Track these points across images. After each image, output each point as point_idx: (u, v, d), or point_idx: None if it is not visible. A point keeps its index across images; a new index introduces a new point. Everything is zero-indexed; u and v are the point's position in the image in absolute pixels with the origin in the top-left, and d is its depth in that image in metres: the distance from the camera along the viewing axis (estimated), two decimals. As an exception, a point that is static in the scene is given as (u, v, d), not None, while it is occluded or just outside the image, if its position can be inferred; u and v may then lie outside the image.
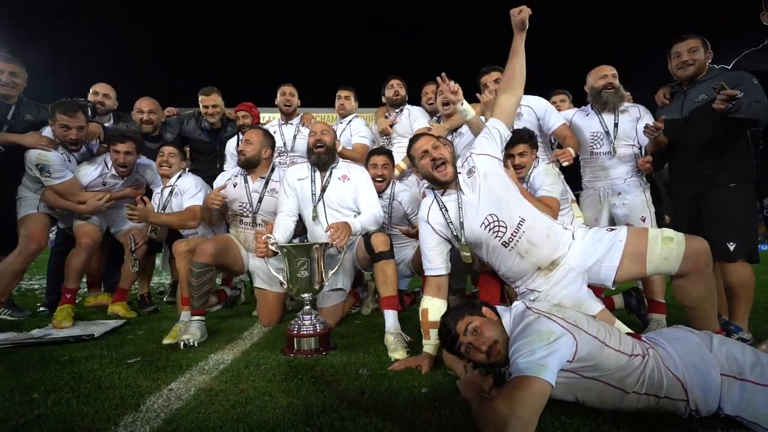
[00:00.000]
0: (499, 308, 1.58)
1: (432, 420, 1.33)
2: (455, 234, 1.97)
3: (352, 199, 2.70)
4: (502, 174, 2.02)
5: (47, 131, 2.94)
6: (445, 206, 2.01)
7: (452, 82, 2.35)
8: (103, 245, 3.35)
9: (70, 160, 3.00)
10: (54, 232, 3.52)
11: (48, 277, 3.54)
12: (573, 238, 1.92)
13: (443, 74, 2.35)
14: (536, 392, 1.15)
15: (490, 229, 1.90)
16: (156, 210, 3.08)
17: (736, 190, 2.28)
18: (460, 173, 2.04)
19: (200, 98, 3.68)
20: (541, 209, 2.07)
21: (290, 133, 3.54)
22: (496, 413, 1.14)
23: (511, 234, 1.87)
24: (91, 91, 3.62)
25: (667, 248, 1.72)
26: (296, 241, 2.88)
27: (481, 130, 2.53)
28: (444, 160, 2.00)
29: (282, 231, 2.64)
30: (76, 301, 3.03)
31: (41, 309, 3.34)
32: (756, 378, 1.25)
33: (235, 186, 2.89)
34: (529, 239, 1.86)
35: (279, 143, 3.49)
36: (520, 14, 2.10)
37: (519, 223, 1.87)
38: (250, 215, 2.85)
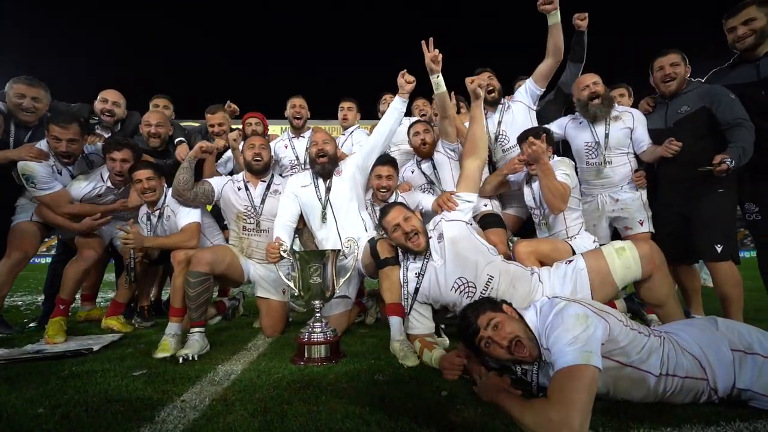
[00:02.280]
0: (519, 309, 1.59)
1: (457, 422, 1.32)
2: (409, 303, 2.17)
3: (353, 192, 2.81)
4: (470, 237, 2.18)
5: (43, 143, 2.86)
6: (421, 273, 2.18)
7: (436, 51, 2.50)
8: (103, 258, 3.25)
9: (60, 173, 2.88)
10: (47, 242, 3.38)
11: (45, 286, 3.41)
12: (540, 281, 2.03)
13: (431, 39, 2.48)
14: (589, 379, 1.17)
15: (461, 292, 2.05)
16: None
17: (723, 196, 2.42)
18: (431, 237, 2.21)
19: (206, 116, 3.53)
20: (557, 188, 2.27)
21: (302, 146, 3.45)
22: (553, 409, 1.14)
23: (481, 292, 2.01)
24: (99, 97, 3.36)
25: (624, 257, 1.87)
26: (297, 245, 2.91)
27: (448, 108, 2.77)
28: (416, 231, 2.16)
29: (283, 235, 2.65)
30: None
31: (30, 325, 3.22)
32: (765, 352, 1.31)
33: (239, 190, 2.88)
34: (498, 294, 1.96)
35: (291, 156, 3.46)
36: (472, 84, 2.39)
37: (487, 282, 2.02)
38: (255, 218, 2.84)
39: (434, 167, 3.06)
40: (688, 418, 1.30)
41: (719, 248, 2.36)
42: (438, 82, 2.57)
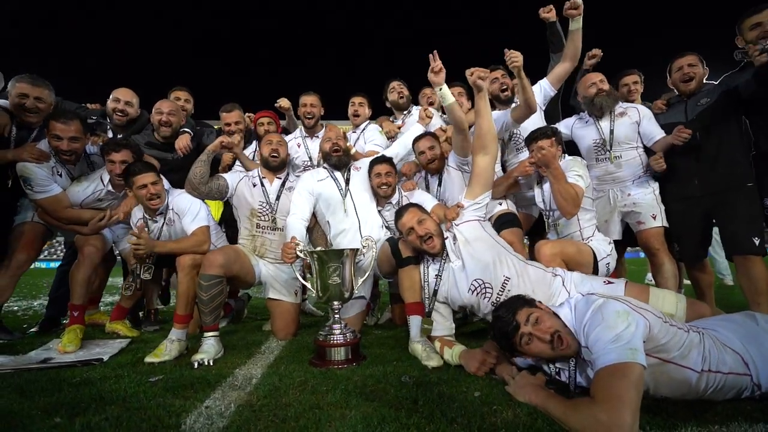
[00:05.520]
0: (552, 306, 1.56)
1: (498, 423, 1.28)
2: (428, 303, 2.14)
3: (370, 187, 2.86)
4: (485, 236, 2.16)
5: (44, 143, 2.72)
6: (438, 274, 2.15)
7: (439, 62, 2.41)
8: (106, 260, 3.15)
9: (60, 174, 2.74)
10: (53, 246, 3.28)
11: (51, 289, 3.30)
12: (564, 286, 1.98)
13: (435, 52, 2.41)
14: (636, 377, 1.14)
15: (478, 293, 2.03)
16: None
17: (753, 189, 2.43)
18: (446, 238, 2.18)
19: (222, 116, 3.41)
20: (569, 192, 2.22)
21: (315, 146, 3.33)
22: (601, 409, 1.10)
23: (497, 293, 1.98)
24: (111, 97, 3.21)
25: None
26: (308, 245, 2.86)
27: (458, 118, 2.58)
28: (430, 234, 2.11)
29: (298, 234, 2.59)
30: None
31: (30, 330, 3.12)
32: None
33: (254, 186, 2.84)
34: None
35: (304, 157, 3.38)
36: (472, 77, 2.25)
37: (504, 282, 1.99)
38: (270, 215, 2.80)
39: (440, 182, 2.92)
40: (733, 416, 1.27)
41: (757, 241, 2.37)
42: (442, 94, 2.44)
